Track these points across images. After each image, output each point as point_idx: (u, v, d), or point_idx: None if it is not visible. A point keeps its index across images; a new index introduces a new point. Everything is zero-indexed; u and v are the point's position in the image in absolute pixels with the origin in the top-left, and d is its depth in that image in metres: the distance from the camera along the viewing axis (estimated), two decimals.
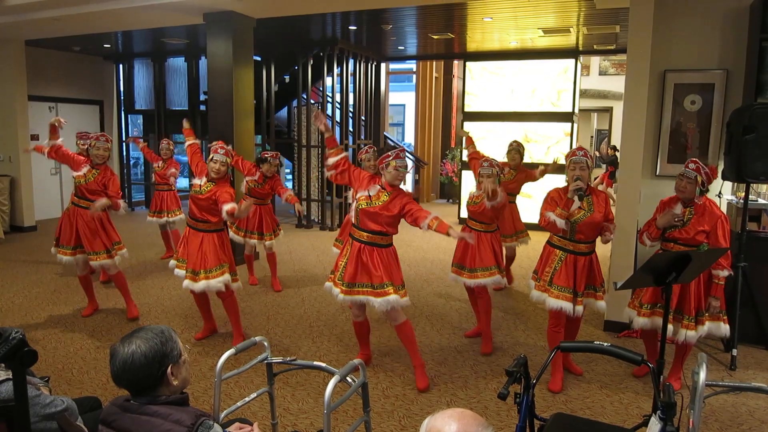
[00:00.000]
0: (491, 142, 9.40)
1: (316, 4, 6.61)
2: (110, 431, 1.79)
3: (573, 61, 9.71)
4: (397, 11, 7.62)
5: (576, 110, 9.98)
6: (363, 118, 11.09)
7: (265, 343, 2.56)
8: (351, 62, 10.39)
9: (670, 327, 3.75)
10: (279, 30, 8.66)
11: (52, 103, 10.60)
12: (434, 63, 14.10)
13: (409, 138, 18.34)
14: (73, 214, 5.11)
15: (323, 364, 2.46)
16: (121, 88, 12.20)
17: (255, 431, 2.06)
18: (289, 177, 12.97)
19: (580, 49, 9.62)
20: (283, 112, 11.56)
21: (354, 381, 2.37)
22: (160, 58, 11.40)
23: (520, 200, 6.27)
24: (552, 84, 9.87)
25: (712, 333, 3.84)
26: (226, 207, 4.19)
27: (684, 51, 4.94)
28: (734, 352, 4.25)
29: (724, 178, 4.49)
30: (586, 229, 3.82)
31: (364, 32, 9.32)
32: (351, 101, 10.57)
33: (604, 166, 13.54)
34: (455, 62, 14.18)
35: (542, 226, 3.89)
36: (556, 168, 6.15)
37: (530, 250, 6.44)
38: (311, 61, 9.88)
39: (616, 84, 12.53)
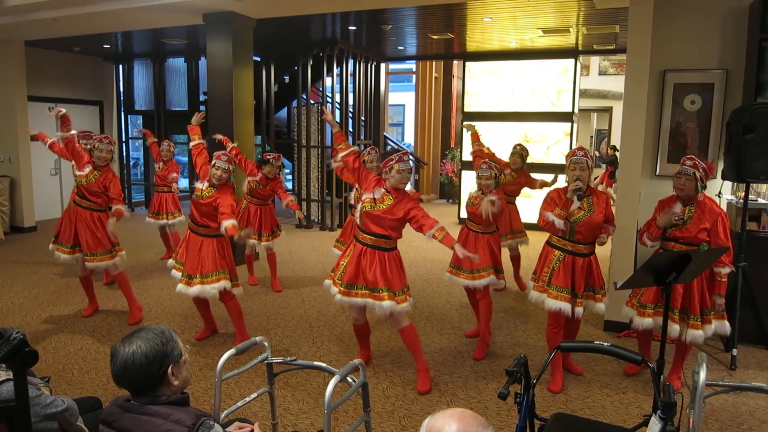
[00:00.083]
0: (491, 142, 9.33)
1: (316, 4, 6.61)
2: (111, 431, 1.79)
3: (573, 61, 9.71)
4: (396, 11, 7.62)
5: (576, 110, 9.98)
6: (363, 118, 11.10)
7: (266, 344, 2.56)
8: (351, 62, 10.40)
9: (675, 327, 3.75)
10: (279, 30, 8.67)
11: (51, 104, 10.58)
12: (434, 63, 14.12)
13: (409, 138, 18.35)
14: (73, 214, 5.10)
15: (323, 365, 2.46)
16: (121, 89, 12.20)
17: (256, 431, 2.06)
18: (289, 177, 12.97)
19: (580, 49, 9.62)
20: (283, 112, 11.56)
21: (354, 381, 2.37)
22: (159, 58, 11.40)
23: (520, 200, 6.27)
24: (552, 84, 9.88)
25: (717, 332, 3.83)
26: (226, 224, 4.13)
27: (684, 51, 4.94)
28: (734, 351, 4.25)
29: (724, 177, 4.49)
30: (585, 230, 3.81)
31: (363, 32, 9.33)
32: (351, 101, 10.57)
33: (604, 165, 13.54)
34: (455, 62, 14.19)
35: (541, 226, 3.88)
36: (555, 183, 6.09)
37: (530, 250, 6.43)
38: (311, 62, 9.88)
39: (616, 84, 12.53)
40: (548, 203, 3.86)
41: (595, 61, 13.34)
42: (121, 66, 12.08)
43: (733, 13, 4.77)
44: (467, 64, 10.51)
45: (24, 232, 9.36)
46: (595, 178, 12.65)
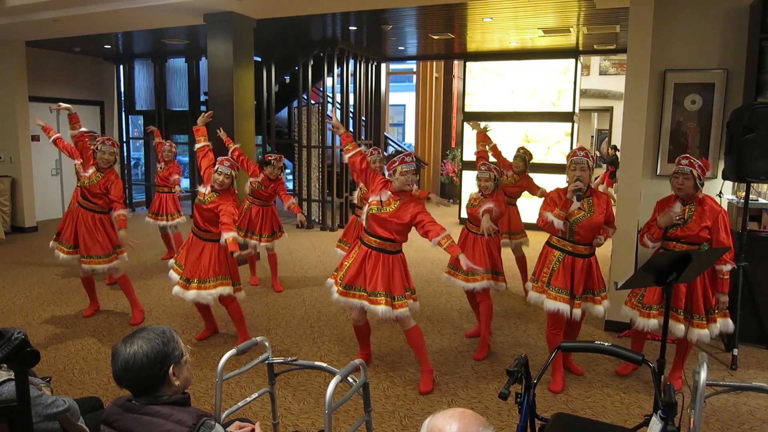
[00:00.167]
0: (492, 137, 9.39)
1: (317, 4, 6.61)
2: (112, 431, 1.79)
3: (573, 61, 9.71)
4: (397, 11, 7.62)
5: (576, 110, 9.98)
6: (363, 118, 11.10)
7: (266, 344, 2.56)
8: (351, 62, 10.40)
9: (680, 327, 3.75)
10: (279, 30, 8.67)
11: (52, 104, 10.59)
12: (434, 63, 14.12)
13: (410, 138, 18.37)
14: (75, 214, 5.10)
15: (324, 365, 2.46)
16: (122, 89, 12.21)
17: (257, 431, 2.06)
18: (290, 177, 12.98)
19: (581, 48, 9.62)
20: (284, 112, 11.57)
21: (355, 381, 2.37)
22: (160, 58, 11.41)
23: (522, 201, 6.22)
24: (552, 84, 9.87)
25: (722, 329, 3.83)
26: (226, 236, 4.10)
27: (684, 51, 4.94)
28: (735, 351, 4.25)
29: (724, 177, 4.49)
30: (585, 231, 3.80)
31: (364, 33, 9.33)
32: (351, 101, 10.58)
33: (604, 165, 13.55)
34: (455, 62, 14.19)
35: (540, 226, 3.87)
36: None
37: (530, 251, 6.42)
38: (311, 62, 9.89)
39: (617, 84, 12.55)
40: (548, 203, 3.86)
41: (595, 61, 13.34)
42: (121, 66, 12.09)
43: (734, 13, 4.77)
44: (468, 64, 10.51)
45: (25, 232, 9.37)
46: (596, 178, 12.65)
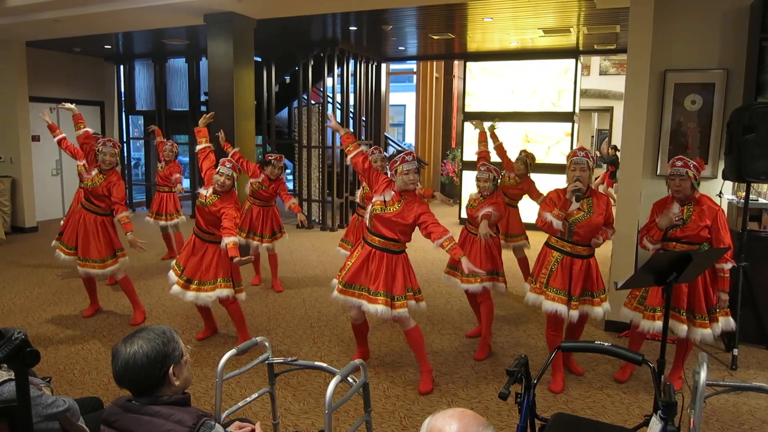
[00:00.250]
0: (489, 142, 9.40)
1: (317, 4, 6.61)
2: (112, 431, 1.79)
3: (573, 61, 9.71)
4: (397, 12, 7.63)
5: (576, 110, 9.98)
6: (363, 118, 11.10)
7: (266, 344, 2.57)
8: (351, 63, 10.40)
9: (683, 327, 3.75)
10: (279, 31, 8.68)
11: (53, 104, 10.56)
12: (434, 63, 14.12)
13: (410, 138, 18.37)
14: (78, 216, 5.10)
15: (324, 365, 2.46)
16: (122, 89, 12.21)
17: (257, 431, 2.07)
18: (290, 177, 12.98)
19: (581, 49, 9.62)
20: (284, 112, 11.57)
21: (355, 381, 2.37)
22: (160, 59, 11.41)
23: (523, 202, 6.18)
24: (552, 84, 9.87)
25: (724, 328, 3.83)
26: (227, 241, 4.10)
27: (684, 51, 4.94)
28: (735, 351, 4.25)
29: (724, 177, 4.49)
30: (584, 231, 3.79)
31: (364, 33, 9.33)
32: (351, 102, 10.58)
33: (604, 165, 13.55)
34: (455, 62, 14.19)
35: (539, 226, 3.86)
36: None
37: (532, 252, 6.41)
38: (312, 62, 9.89)
39: (617, 84, 12.54)
40: (547, 203, 3.85)
41: (595, 61, 13.34)
42: (122, 66, 12.09)
43: (734, 13, 4.77)
44: (468, 64, 10.51)
45: (25, 233, 9.38)
46: (596, 178, 12.65)
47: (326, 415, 2.14)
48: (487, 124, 5.62)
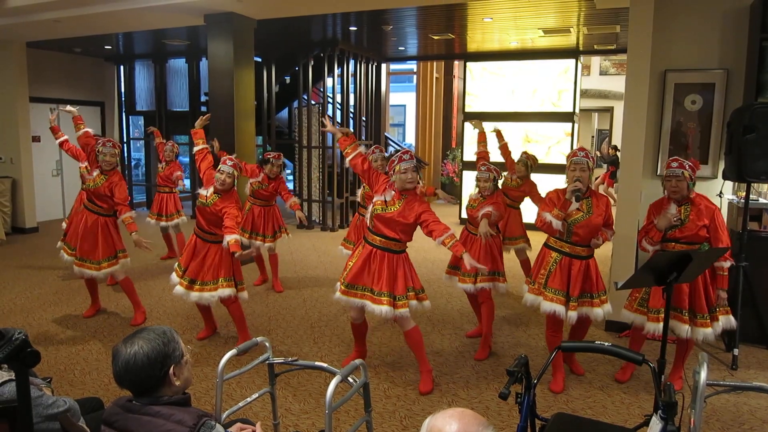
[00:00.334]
0: (492, 142, 9.39)
1: (317, 5, 6.62)
2: (112, 431, 1.79)
3: (573, 61, 9.71)
4: (397, 12, 7.63)
5: (577, 110, 9.98)
6: (364, 118, 11.11)
7: (267, 344, 2.57)
8: (351, 63, 10.40)
9: (685, 327, 3.75)
10: (279, 31, 8.68)
11: (53, 105, 10.60)
12: (435, 63, 14.12)
13: (410, 138, 18.38)
14: (80, 217, 5.10)
15: (325, 365, 2.46)
16: (122, 90, 12.21)
17: (258, 431, 2.07)
18: (290, 177, 12.98)
19: (581, 49, 9.62)
20: (284, 112, 11.57)
21: (355, 381, 2.37)
22: (161, 59, 11.42)
23: (525, 204, 6.16)
24: (552, 84, 9.87)
25: (724, 327, 3.83)
26: (229, 238, 4.10)
27: (684, 51, 4.94)
28: (735, 351, 4.25)
29: (725, 177, 4.50)
30: (583, 232, 3.78)
31: (364, 33, 9.33)
32: (352, 102, 10.58)
33: (605, 165, 13.55)
34: (456, 63, 14.19)
35: (538, 226, 3.86)
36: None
37: (534, 254, 6.41)
38: (312, 62, 9.89)
39: (617, 84, 12.54)
40: (546, 204, 3.84)
41: (596, 61, 13.34)
42: (122, 67, 12.09)
43: (734, 13, 4.77)
44: (468, 64, 10.51)
45: (26, 233, 9.38)
46: (596, 178, 12.65)
47: (326, 415, 2.14)
48: (487, 126, 5.61)
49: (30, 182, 9.50)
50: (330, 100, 10.38)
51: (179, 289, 4.42)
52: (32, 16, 7.22)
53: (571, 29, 8.10)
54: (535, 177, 6.01)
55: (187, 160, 12.57)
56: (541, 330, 5.02)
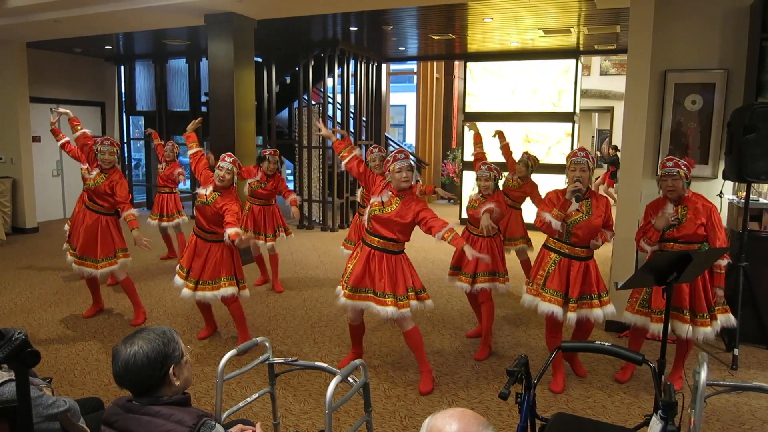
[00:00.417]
0: (492, 142, 9.41)
1: (317, 5, 6.62)
2: (112, 431, 1.79)
3: (574, 61, 9.71)
4: (397, 12, 7.63)
5: (577, 110, 9.98)
6: (364, 119, 11.11)
7: (267, 344, 2.57)
8: (352, 63, 10.40)
9: (686, 327, 3.75)
10: (280, 31, 8.68)
11: (53, 105, 10.61)
12: (435, 63, 14.12)
13: (410, 139, 18.38)
14: (81, 216, 5.10)
15: (325, 365, 2.46)
16: (123, 90, 12.22)
17: (258, 431, 2.07)
18: (290, 178, 12.99)
19: (581, 49, 9.62)
20: (284, 113, 11.57)
21: (355, 381, 2.37)
22: (161, 59, 11.42)
23: (526, 204, 6.15)
24: (553, 84, 9.87)
25: (724, 325, 3.83)
26: (230, 231, 4.10)
27: (684, 51, 4.94)
28: (736, 351, 4.25)
29: (725, 177, 4.49)
30: (583, 233, 3.76)
31: (364, 33, 9.33)
32: (352, 102, 10.58)
33: (605, 165, 13.56)
34: (456, 63, 14.19)
35: (538, 227, 3.85)
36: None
37: (533, 254, 6.41)
38: (312, 62, 9.89)
39: (617, 84, 12.54)
40: (546, 204, 3.83)
41: (596, 61, 13.34)
42: (122, 67, 12.10)
43: (734, 13, 4.77)
44: (468, 64, 10.52)
45: (26, 233, 9.37)
46: (596, 178, 12.65)
47: (326, 416, 2.14)
48: (486, 126, 5.62)
49: (30, 182, 9.50)
50: (330, 101, 10.38)
51: (187, 292, 4.43)
52: (32, 16, 7.22)
53: (572, 29, 8.10)
54: (535, 177, 6.00)
55: (187, 160, 12.59)
56: (541, 330, 5.02)
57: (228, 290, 4.40)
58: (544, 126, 9.94)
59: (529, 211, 6.45)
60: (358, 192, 5.68)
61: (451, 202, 13.33)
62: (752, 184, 4.33)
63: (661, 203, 3.85)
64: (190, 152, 4.72)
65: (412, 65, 15.84)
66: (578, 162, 3.74)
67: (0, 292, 6.11)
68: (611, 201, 4.44)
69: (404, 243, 3.89)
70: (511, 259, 6.08)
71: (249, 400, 2.52)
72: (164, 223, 7.26)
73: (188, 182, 11.55)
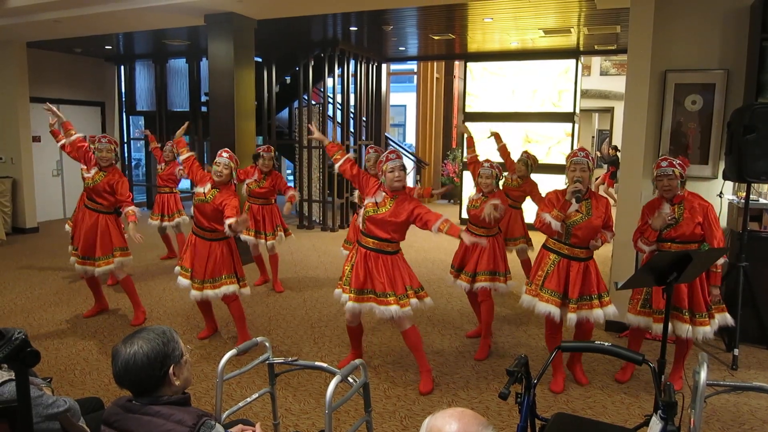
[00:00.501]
0: (489, 144, 9.41)
1: (317, 5, 6.62)
2: (112, 431, 1.79)
3: (574, 61, 9.71)
4: (397, 12, 7.63)
5: (577, 110, 9.98)
6: (364, 119, 11.11)
7: (267, 344, 2.57)
8: (352, 63, 10.40)
9: (685, 327, 3.75)
10: (280, 31, 8.68)
11: (54, 105, 10.60)
12: (435, 64, 14.12)
13: (411, 139, 18.36)
14: (80, 216, 5.10)
15: (324, 365, 2.46)
16: (123, 90, 12.22)
17: (258, 431, 2.07)
18: (290, 178, 12.99)
19: (581, 49, 9.62)
20: (284, 113, 11.57)
21: (355, 381, 2.37)
22: (161, 59, 11.42)
23: (527, 203, 6.15)
24: (553, 84, 9.87)
25: (721, 324, 3.83)
26: (228, 221, 4.11)
27: (684, 51, 4.94)
28: (736, 351, 4.25)
29: (725, 177, 4.49)
30: (582, 233, 3.75)
31: (364, 33, 9.33)
32: (352, 102, 10.58)
33: (605, 166, 13.56)
34: (456, 63, 14.19)
35: (537, 227, 3.84)
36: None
37: (534, 254, 6.41)
38: (312, 62, 9.89)
39: (617, 84, 12.54)
40: (546, 204, 3.82)
41: (596, 61, 13.34)
42: (122, 67, 12.10)
43: (734, 13, 4.77)
44: (468, 64, 10.52)
45: (26, 233, 9.38)
46: (597, 179, 12.65)
47: (326, 415, 2.14)
48: (486, 126, 5.62)
49: (30, 182, 9.50)
50: (330, 101, 10.38)
51: (195, 293, 4.44)
52: (32, 17, 7.22)
53: (572, 29, 8.10)
54: (535, 177, 6.01)
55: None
56: (541, 330, 5.02)
57: (229, 288, 4.43)
58: (544, 126, 9.94)
59: (529, 211, 6.46)
60: (356, 192, 5.68)
61: (451, 202, 13.33)
62: (752, 184, 4.33)
63: (658, 203, 3.85)
64: (182, 157, 4.74)
65: (412, 65, 15.83)
66: (578, 162, 3.73)
67: (0, 292, 6.11)
68: (611, 201, 4.43)
69: (399, 243, 3.90)
70: (512, 259, 6.07)
71: (249, 400, 2.52)
72: (165, 223, 7.26)
73: (188, 183, 11.56)
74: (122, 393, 1.87)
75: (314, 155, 10.15)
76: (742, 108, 4.25)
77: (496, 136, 5.86)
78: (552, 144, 9.92)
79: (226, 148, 4.53)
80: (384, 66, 12.00)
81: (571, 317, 3.76)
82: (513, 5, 6.96)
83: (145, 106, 12.16)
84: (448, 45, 10.07)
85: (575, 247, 3.80)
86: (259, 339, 2.57)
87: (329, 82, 10.08)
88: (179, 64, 11.55)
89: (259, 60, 9.84)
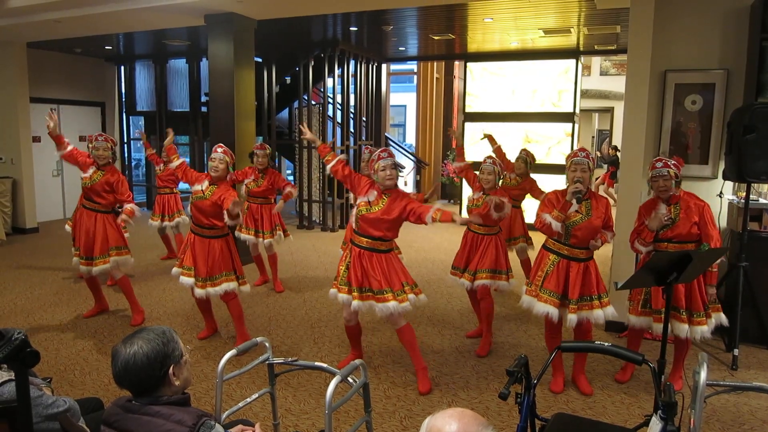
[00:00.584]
0: (485, 145, 9.41)
1: (317, 5, 6.62)
2: (112, 431, 1.80)
3: (574, 61, 9.71)
4: (397, 12, 7.63)
5: (577, 110, 9.98)
6: (364, 119, 11.11)
7: (267, 344, 2.57)
8: (352, 63, 10.40)
9: (684, 327, 3.75)
10: (280, 31, 8.68)
11: (53, 105, 10.63)
12: (435, 64, 14.12)
13: (410, 139, 18.36)
14: (79, 216, 5.11)
15: (324, 365, 2.46)
16: (123, 90, 12.22)
17: (258, 431, 2.07)
18: (290, 178, 12.99)
19: (581, 49, 9.62)
20: (285, 113, 11.57)
21: (355, 381, 2.37)
22: (161, 59, 11.42)
23: (527, 202, 6.15)
24: (553, 84, 9.88)
25: (717, 323, 3.83)
26: (228, 207, 4.17)
27: (684, 51, 4.94)
28: (736, 351, 4.25)
29: (725, 177, 4.49)
30: (582, 234, 3.74)
31: (365, 33, 9.34)
32: (352, 102, 10.58)
33: (605, 166, 13.56)
34: (456, 63, 14.18)
35: (537, 228, 3.84)
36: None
37: (533, 253, 6.40)
38: (312, 63, 9.90)
39: (617, 84, 12.54)
40: (546, 204, 3.81)
41: (596, 61, 13.34)
42: (122, 67, 12.10)
43: (734, 13, 4.77)
44: (468, 64, 10.52)
45: (26, 234, 9.38)
46: (597, 178, 12.65)
47: (326, 416, 2.14)
48: (484, 126, 5.62)
49: (30, 182, 9.50)
50: (330, 101, 10.38)
51: (200, 291, 4.44)
52: (32, 17, 7.22)
53: (572, 29, 8.11)
54: (535, 177, 6.02)
55: (188, 160, 12.59)
56: (541, 330, 5.01)
57: (230, 285, 4.45)
58: (544, 126, 9.94)
59: (529, 211, 6.47)
60: (352, 195, 5.69)
61: (451, 202, 13.31)
62: (752, 184, 4.33)
63: (654, 204, 3.85)
64: (173, 164, 4.70)
65: (412, 65, 15.83)
66: (578, 162, 3.72)
67: (0, 292, 6.11)
68: (611, 201, 4.43)
69: (392, 241, 3.90)
70: (512, 259, 6.07)
71: (249, 400, 2.52)
72: (165, 223, 7.27)
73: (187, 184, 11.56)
74: (122, 393, 1.87)
75: (314, 155, 10.14)
76: (742, 108, 4.26)
77: (490, 138, 5.86)
78: (552, 144, 9.92)
79: (220, 144, 4.54)
80: (384, 66, 12.00)
81: (572, 318, 3.74)
82: (513, 5, 6.96)
83: (145, 107, 12.16)
84: (448, 45, 10.07)
85: (575, 247, 3.79)
86: (259, 339, 2.57)
87: (329, 82, 10.08)
88: (179, 65, 11.55)
89: (259, 60, 9.84)
